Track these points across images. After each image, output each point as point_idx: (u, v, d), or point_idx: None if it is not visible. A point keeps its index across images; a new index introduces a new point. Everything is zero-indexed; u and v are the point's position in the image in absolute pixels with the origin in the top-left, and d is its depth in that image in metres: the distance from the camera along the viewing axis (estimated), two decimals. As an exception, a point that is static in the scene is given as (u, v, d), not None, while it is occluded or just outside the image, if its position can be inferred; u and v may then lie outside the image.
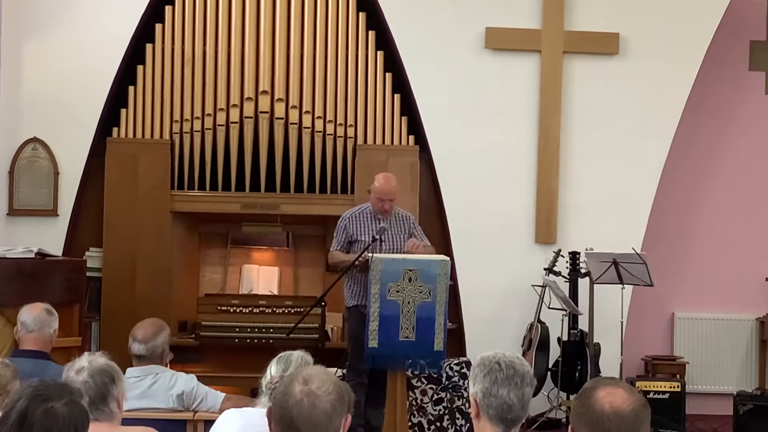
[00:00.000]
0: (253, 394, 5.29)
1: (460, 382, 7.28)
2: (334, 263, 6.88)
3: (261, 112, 8.01)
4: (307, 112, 8.05)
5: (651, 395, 7.49)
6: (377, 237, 6.53)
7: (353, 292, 6.68)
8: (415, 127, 8.21)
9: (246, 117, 8.00)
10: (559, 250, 7.88)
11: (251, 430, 3.60)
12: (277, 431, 2.53)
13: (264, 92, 8.04)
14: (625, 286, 7.48)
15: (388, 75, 8.17)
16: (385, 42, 8.20)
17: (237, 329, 7.75)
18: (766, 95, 8.84)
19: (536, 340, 7.71)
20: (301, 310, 7.33)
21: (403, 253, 6.52)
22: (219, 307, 7.82)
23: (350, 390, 2.64)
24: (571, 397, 7.64)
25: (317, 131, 8.04)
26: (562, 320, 7.74)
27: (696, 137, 8.69)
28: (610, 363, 7.65)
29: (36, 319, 4.80)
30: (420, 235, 6.86)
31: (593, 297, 7.60)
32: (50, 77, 7.96)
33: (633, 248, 7.45)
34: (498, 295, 8.05)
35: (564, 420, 7.62)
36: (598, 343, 7.66)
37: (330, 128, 8.05)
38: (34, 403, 2.49)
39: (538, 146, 8.16)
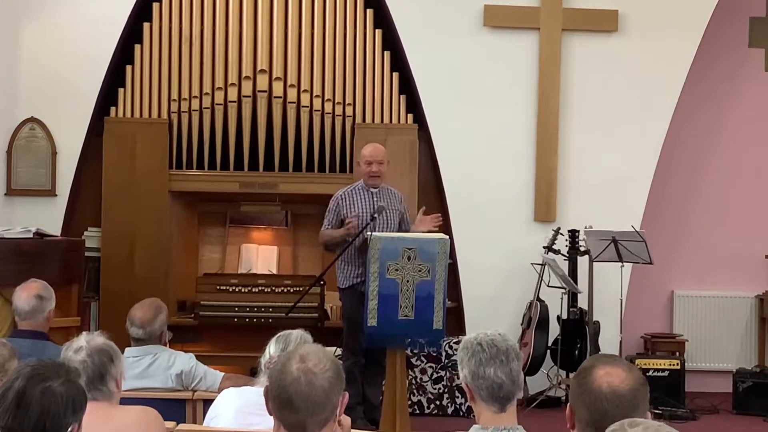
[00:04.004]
0: (253, 373, 5.30)
1: (460, 361, 7.28)
2: (325, 241, 6.84)
3: (259, 91, 7.97)
4: (305, 90, 8.02)
5: (650, 373, 7.51)
6: (375, 216, 6.52)
7: (347, 273, 6.66)
8: (414, 105, 8.18)
9: (244, 96, 7.97)
10: (558, 228, 7.87)
11: (250, 409, 3.60)
12: (275, 409, 2.53)
13: (262, 71, 8.01)
14: (624, 264, 7.48)
15: (387, 53, 8.13)
16: (383, 20, 8.16)
17: (236, 308, 7.75)
18: (766, 72, 8.80)
19: (536, 319, 7.72)
20: (300, 289, 7.34)
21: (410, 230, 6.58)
22: (218, 287, 7.81)
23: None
24: (571, 375, 7.65)
25: (315, 110, 8.01)
26: (562, 298, 7.74)
27: (695, 114, 8.66)
28: (609, 341, 7.65)
29: (28, 306, 4.77)
30: (406, 212, 6.90)
31: (592, 275, 7.60)
32: (48, 57, 7.94)
33: (632, 226, 7.45)
34: (497, 273, 8.05)
35: (563, 398, 7.63)
36: (598, 321, 7.67)
37: (328, 107, 8.03)
38: (32, 382, 2.48)
39: (536, 124, 8.14)
